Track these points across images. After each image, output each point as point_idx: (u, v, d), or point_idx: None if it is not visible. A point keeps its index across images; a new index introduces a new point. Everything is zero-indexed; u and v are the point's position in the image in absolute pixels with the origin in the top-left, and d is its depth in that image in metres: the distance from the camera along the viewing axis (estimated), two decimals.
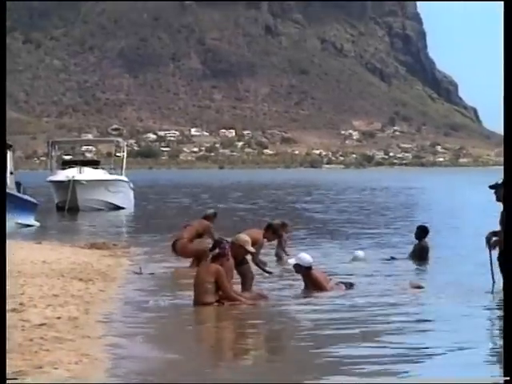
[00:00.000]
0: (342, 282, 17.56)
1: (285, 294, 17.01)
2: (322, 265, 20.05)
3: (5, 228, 10.50)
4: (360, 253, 22.88)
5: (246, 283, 16.82)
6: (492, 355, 11.69)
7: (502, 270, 16.04)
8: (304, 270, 16.90)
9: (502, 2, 10.42)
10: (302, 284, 17.14)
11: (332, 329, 13.46)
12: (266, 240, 17.90)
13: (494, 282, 16.14)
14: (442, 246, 25.27)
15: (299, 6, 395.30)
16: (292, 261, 17.35)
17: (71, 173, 46.72)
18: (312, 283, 16.86)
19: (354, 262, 22.37)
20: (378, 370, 10.75)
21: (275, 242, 21.77)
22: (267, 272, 17.92)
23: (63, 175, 47.26)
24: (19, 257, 21.43)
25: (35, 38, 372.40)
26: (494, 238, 16.01)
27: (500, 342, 12.95)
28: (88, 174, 47.20)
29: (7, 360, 10.21)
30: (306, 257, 17.09)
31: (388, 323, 13.91)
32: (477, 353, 11.66)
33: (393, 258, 22.91)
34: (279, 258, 22.00)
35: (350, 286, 17.38)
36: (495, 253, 16.02)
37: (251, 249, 16.40)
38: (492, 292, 16.10)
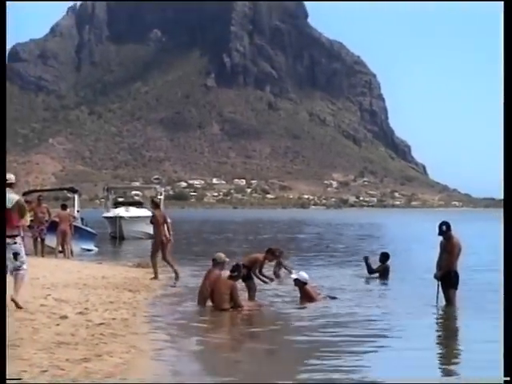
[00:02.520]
0: (328, 296, 17.58)
1: (284, 302, 16.96)
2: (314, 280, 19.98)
3: (5, 234, 10.28)
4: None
5: (251, 294, 16.85)
6: (441, 357, 11.61)
7: (444, 288, 15.97)
8: (301, 284, 16.95)
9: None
10: (297, 295, 17.09)
11: (317, 331, 13.39)
12: (267, 261, 17.78)
13: (437, 301, 15.98)
14: (399, 268, 25.11)
15: (293, 88, 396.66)
16: (294, 276, 17.45)
17: (118, 211, 46.75)
18: (305, 295, 16.86)
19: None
20: (346, 365, 10.67)
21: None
22: (264, 282, 17.84)
23: (113, 213, 47.33)
24: (84, 273, 21.39)
25: (97, 111, 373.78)
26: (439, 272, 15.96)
27: (444, 345, 12.88)
28: (132, 212, 47.17)
29: (75, 350, 10.19)
30: (304, 274, 17.19)
31: (360, 327, 13.88)
32: (427, 355, 11.43)
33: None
34: (277, 276, 21.84)
35: (333, 298, 17.39)
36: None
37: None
38: (436, 305, 15.93)
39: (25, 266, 13.39)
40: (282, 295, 18.02)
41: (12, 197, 13.20)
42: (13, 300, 13.13)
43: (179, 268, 21.86)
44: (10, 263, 13.12)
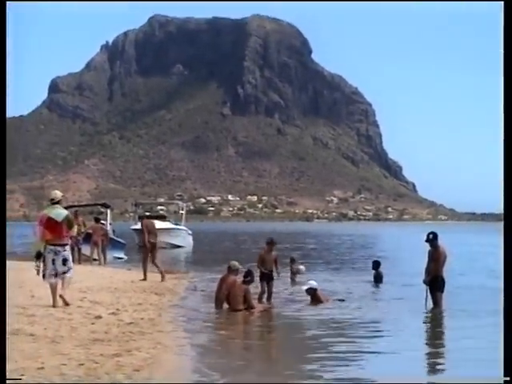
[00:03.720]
0: (337, 299, 17.66)
1: (293, 304, 16.98)
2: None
3: (5, 236, 10.38)
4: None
5: (268, 295, 17.05)
6: (433, 357, 11.37)
7: (432, 291, 15.90)
8: (312, 292, 17.12)
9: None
10: (307, 298, 17.17)
11: (324, 329, 13.40)
12: (271, 252, 17.51)
13: (426, 306, 15.89)
14: (392, 273, 25.05)
15: (299, 116, 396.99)
16: (305, 287, 17.53)
17: None
18: (316, 299, 17.01)
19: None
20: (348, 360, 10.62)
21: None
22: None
23: (140, 225, 47.11)
24: (116, 278, 21.45)
25: (127, 136, 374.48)
26: (428, 277, 15.90)
27: (430, 345, 12.74)
28: (157, 224, 46.73)
29: (108, 346, 10.19)
30: (313, 283, 17.39)
31: (360, 328, 13.86)
32: (416, 354, 11.28)
33: (376, 282, 22.43)
34: (293, 280, 21.95)
35: (341, 301, 17.50)
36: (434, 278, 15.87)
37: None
38: (425, 307, 15.85)
39: (72, 271, 13.87)
40: (293, 298, 18.06)
41: (61, 212, 13.67)
42: (61, 296, 13.62)
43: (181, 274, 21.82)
44: (58, 268, 13.59)
